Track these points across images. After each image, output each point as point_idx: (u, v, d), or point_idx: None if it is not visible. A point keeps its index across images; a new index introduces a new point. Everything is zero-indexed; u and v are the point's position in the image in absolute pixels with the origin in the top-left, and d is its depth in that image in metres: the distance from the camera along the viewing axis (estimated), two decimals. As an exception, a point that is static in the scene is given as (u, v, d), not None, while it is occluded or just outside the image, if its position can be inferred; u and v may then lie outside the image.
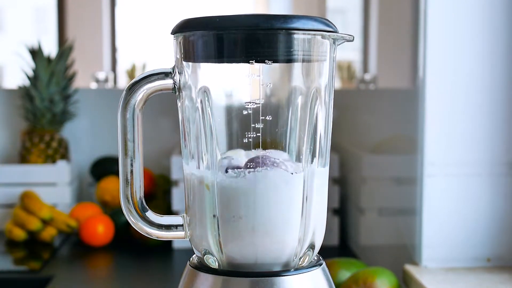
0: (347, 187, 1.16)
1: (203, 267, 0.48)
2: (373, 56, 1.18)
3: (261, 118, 0.45)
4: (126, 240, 1.14)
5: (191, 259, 0.50)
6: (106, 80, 1.47)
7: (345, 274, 0.77)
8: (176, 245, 1.10)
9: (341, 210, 1.17)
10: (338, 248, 1.12)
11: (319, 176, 0.47)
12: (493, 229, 0.76)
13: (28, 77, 1.29)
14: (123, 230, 1.16)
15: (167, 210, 1.17)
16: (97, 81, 1.47)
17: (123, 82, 2.72)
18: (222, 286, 0.45)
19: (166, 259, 1.05)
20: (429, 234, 0.75)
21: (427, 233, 0.75)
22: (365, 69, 1.24)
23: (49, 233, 1.15)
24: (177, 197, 1.11)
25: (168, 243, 1.11)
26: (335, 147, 1.22)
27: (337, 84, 1.66)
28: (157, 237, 0.50)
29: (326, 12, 1.54)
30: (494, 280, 0.72)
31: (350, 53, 1.38)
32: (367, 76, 1.17)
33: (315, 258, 0.50)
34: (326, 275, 0.49)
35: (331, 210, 1.14)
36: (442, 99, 0.74)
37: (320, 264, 0.49)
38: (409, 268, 0.76)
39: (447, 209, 0.75)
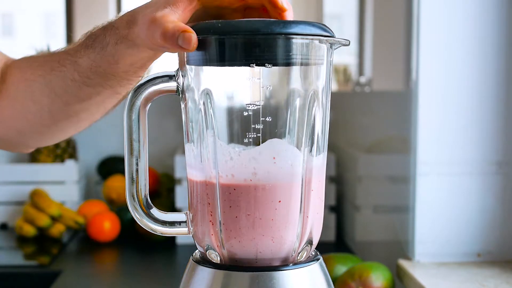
0: (343, 185, 1.16)
1: (205, 262, 0.49)
2: (368, 60, 1.19)
3: (261, 119, 0.46)
4: (131, 236, 1.17)
5: (194, 254, 0.51)
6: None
7: (341, 269, 0.78)
8: (180, 241, 1.12)
9: (338, 208, 1.18)
10: (334, 244, 1.13)
11: (317, 174, 0.49)
12: (483, 226, 0.77)
13: (37, 79, 1.32)
14: (128, 226, 1.18)
15: (171, 207, 1.18)
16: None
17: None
18: (224, 280, 0.46)
19: (170, 254, 1.07)
20: (422, 231, 0.77)
21: (419, 229, 0.77)
22: (361, 72, 1.26)
23: (57, 229, 1.17)
24: (181, 195, 1.13)
25: (171, 239, 1.13)
26: (332, 147, 1.24)
27: (334, 87, 1.67)
28: (161, 233, 0.51)
29: (323, 17, 1.55)
30: (484, 274, 0.74)
31: (346, 56, 1.39)
32: (363, 79, 1.18)
33: (313, 253, 0.51)
34: (323, 270, 0.49)
35: (328, 207, 1.15)
36: (434, 101, 0.76)
37: (318, 259, 0.49)
38: (403, 262, 0.78)
39: (439, 206, 0.77)
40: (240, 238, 0.47)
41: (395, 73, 0.90)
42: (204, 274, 0.48)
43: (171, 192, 1.26)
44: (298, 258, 0.49)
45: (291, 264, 0.48)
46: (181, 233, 0.51)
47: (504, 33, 0.76)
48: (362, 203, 1.05)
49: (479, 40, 0.76)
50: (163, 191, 1.29)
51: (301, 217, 0.47)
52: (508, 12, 0.76)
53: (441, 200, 0.77)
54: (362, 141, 1.09)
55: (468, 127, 0.77)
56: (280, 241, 0.47)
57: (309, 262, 0.49)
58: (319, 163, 0.49)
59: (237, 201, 0.47)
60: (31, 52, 1.35)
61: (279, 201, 0.46)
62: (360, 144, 1.10)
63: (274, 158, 0.47)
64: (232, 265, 0.48)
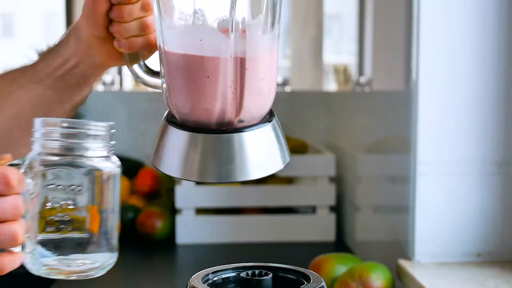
0: (343, 185, 1.17)
1: (173, 122, 0.52)
2: (368, 60, 1.19)
3: None
4: (131, 236, 1.17)
5: (166, 113, 0.54)
6: (112, 83, 1.50)
7: (341, 269, 0.79)
8: (180, 241, 1.12)
9: (338, 208, 1.18)
10: (334, 244, 1.13)
11: (260, 52, 0.47)
12: (483, 226, 0.78)
13: (37, 79, 1.32)
14: (128, 226, 1.18)
15: (171, 207, 1.19)
16: (104, 83, 1.49)
17: (129, 85, 2.76)
18: (181, 139, 0.49)
19: (170, 254, 1.07)
20: (422, 231, 0.77)
21: (419, 229, 0.77)
22: (361, 72, 1.26)
23: (57, 230, 1.18)
24: (181, 195, 1.13)
25: (171, 239, 1.13)
26: (332, 147, 1.24)
27: (334, 87, 1.68)
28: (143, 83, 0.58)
29: (323, 17, 1.55)
30: (484, 274, 0.74)
31: (346, 56, 1.39)
32: (363, 79, 1.19)
33: (267, 116, 0.51)
34: (275, 131, 0.50)
35: (328, 207, 1.15)
36: (434, 101, 0.76)
37: (270, 121, 0.50)
38: (403, 263, 0.78)
39: (439, 206, 0.77)
40: (184, 106, 0.49)
41: (395, 73, 0.90)
42: (169, 132, 0.51)
43: (171, 192, 1.27)
44: (246, 124, 0.49)
45: (243, 128, 0.49)
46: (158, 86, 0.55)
47: (504, 33, 0.76)
48: (362, 203, 1.05)
49: (479, 40, 0.76)
50: (163, 191, 1.29)
51: (235, 92, 0.47)
52: (508, 12, 0.76)
53: (441, 200, 0.77)
54: (362, 141, 1.09)
55: (468, 127, 0.77)
56: (212, 112, 0.48)
57: (261, 124, 0.49)
58: (266, 40, 0.48)
59: (179, 71, 0.48)
60: (31, 52, 1.36)
61: (207, 77, 0.47)
62: (360, 144, 1.10)
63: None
64: (189, 126, 0.50)
